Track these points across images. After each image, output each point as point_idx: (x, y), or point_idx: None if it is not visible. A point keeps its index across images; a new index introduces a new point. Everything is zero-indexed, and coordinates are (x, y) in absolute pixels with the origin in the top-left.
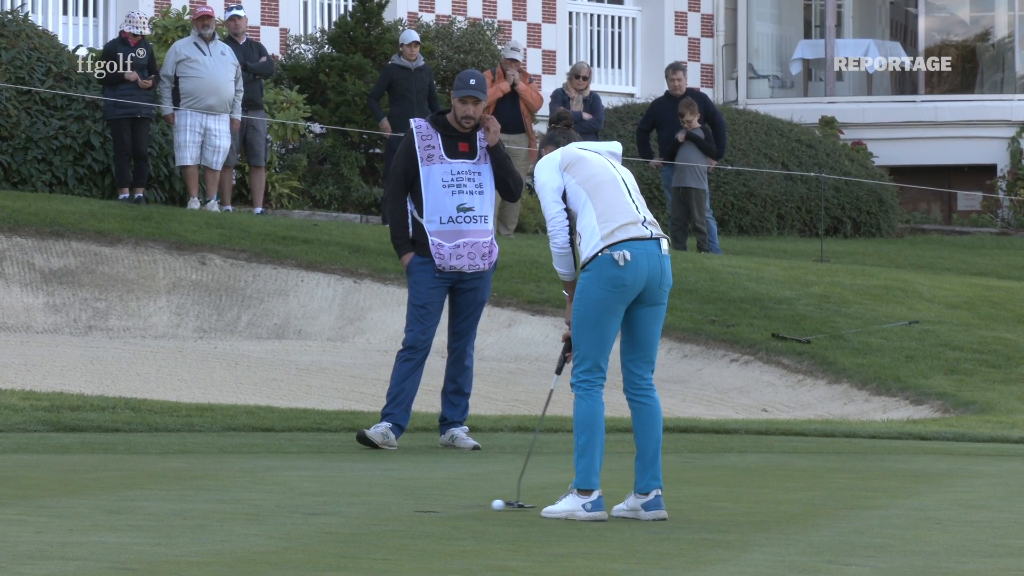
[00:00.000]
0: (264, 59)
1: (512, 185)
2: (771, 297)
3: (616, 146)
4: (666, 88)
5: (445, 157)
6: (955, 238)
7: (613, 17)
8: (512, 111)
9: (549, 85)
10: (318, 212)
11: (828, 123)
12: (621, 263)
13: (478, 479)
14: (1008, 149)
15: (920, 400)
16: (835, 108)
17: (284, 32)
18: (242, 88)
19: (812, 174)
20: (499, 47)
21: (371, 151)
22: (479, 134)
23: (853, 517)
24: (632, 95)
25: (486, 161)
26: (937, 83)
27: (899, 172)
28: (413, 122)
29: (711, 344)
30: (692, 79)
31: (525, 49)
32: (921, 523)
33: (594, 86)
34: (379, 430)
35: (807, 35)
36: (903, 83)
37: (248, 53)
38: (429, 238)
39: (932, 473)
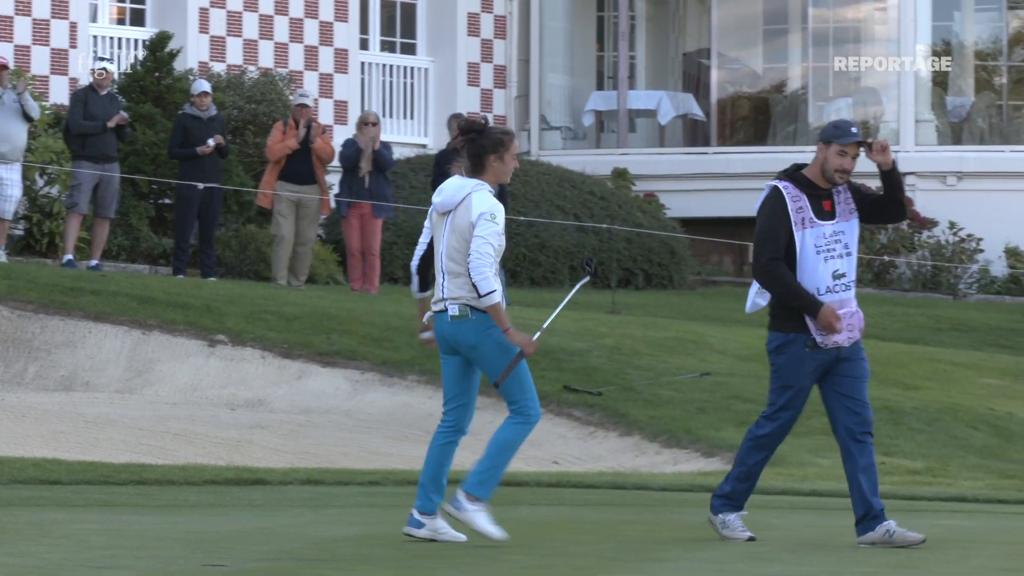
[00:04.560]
0: (124, 115)
1: (904, 201)
2: (562, 349)
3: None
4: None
5: (815, 220)
6: (746, 290)
7: (405, 68)
8: (304, 162)
9: (341, 135)
10: (106, 263)
11: (620, 175)
12: (427, 322)
13: (266, 533)
14: None
15: (711, 452)
16: (627, 160)
17: (73, 82)
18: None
19: (604, 226)
20: (290, 97)
21: (160, 201)
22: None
23: (645, 570)
24: (425, 146)
25: (847, 218)
26: (729, 135)
27: (691, 224)
28: (779, 183)
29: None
30: None
31: (317, 99)
32: None
33: (386, 136)
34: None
35: (599, 87)
36: (695, 135)
37: (108, 107)
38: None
39: None
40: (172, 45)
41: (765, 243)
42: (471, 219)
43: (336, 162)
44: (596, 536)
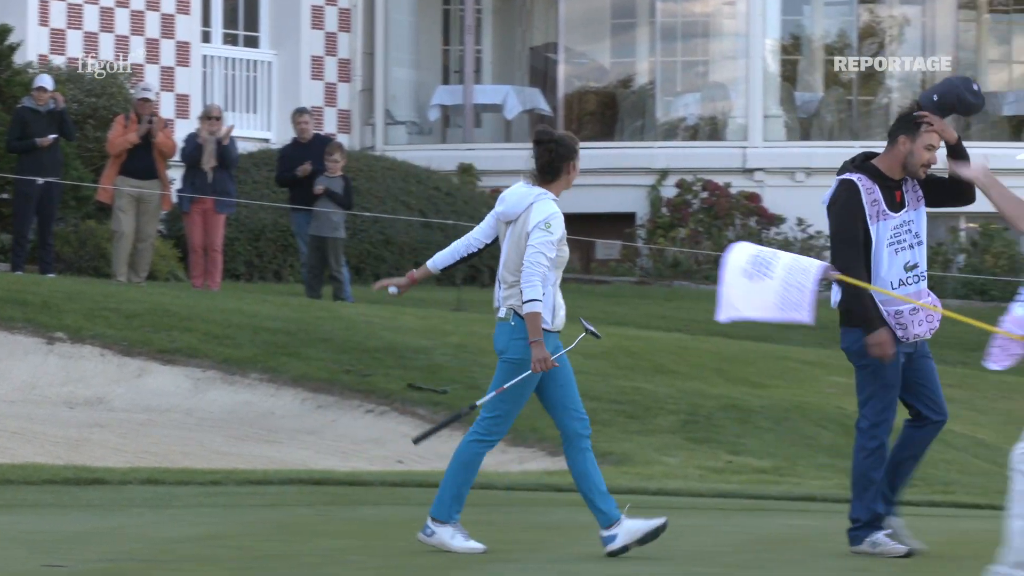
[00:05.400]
0: None
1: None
2: (407, 346)
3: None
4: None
5: (887, 211)
6: (593, 287)
7: (248, 61)
8: (145, 157)
9: (183, 129)
10: None
11: (466, 170)
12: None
13: (106, 533)
14: (648, 197)
15: (557, 451)
16: (473, 155)
17: None
18: None
19: (450, 222)
20: (131, 91)
21: None
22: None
23: (490, 570)
24: (268, 140)
25: (916, 207)
26: (577, 130)
27: None
28: (854, 176)
29: (346, 394)
30: (329, 125)
31: (159, 93)
32: None
33: None
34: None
35: (445, 81)
36: None
37: None
38: (883, 307)
39: (569, 525)
40: (11, 38)
41: (843, 245)
42: (528, 228)
43: (178, 157)
44: None
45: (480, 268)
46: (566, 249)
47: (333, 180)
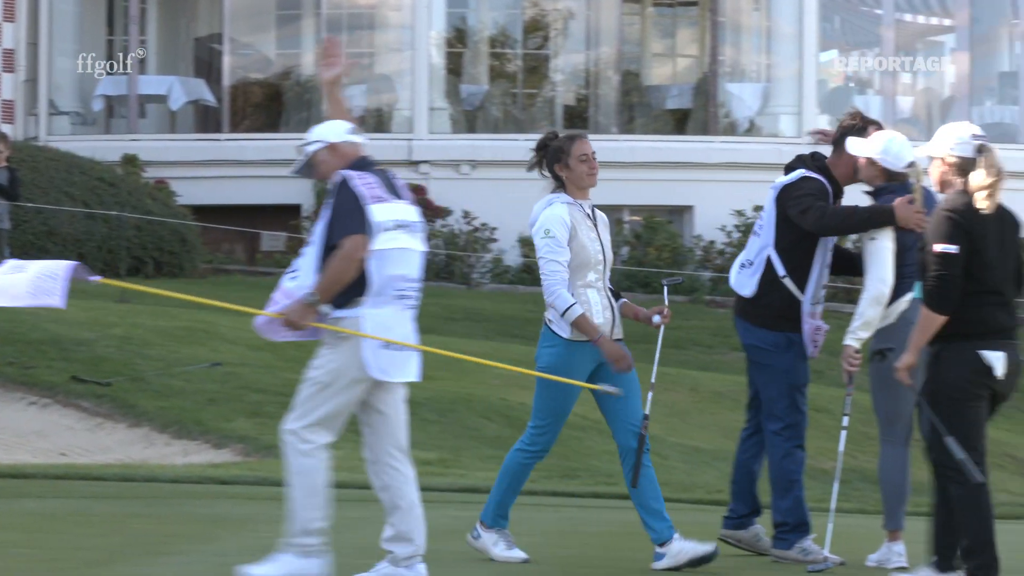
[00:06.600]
0: None
1: None
2: (70, 338)
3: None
4: None
5: None
6: (259, 279)
7: None
8: None
9: None
10: None
11: (130, 161)
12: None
13: None
14: (314, 189)
15: (222, 444)
16: (138, 146)
17: None
18: None
19: (114, 213)
20: None
21: None
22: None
23: (153, 563)
24: None
25: None
26: (242, 121)
27: (203, 211)
28: (822, 179)
29: (8, 387)
30: None
31: None
32: (221, 569)
33: None
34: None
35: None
36: (207, 121)
37: None
38: (804, 319)
39: (233, 518)
40: None
41: (810, 196)
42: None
43: None
44: (104, 529)
45: (144, 260)
46: (582, 247)
47: None
